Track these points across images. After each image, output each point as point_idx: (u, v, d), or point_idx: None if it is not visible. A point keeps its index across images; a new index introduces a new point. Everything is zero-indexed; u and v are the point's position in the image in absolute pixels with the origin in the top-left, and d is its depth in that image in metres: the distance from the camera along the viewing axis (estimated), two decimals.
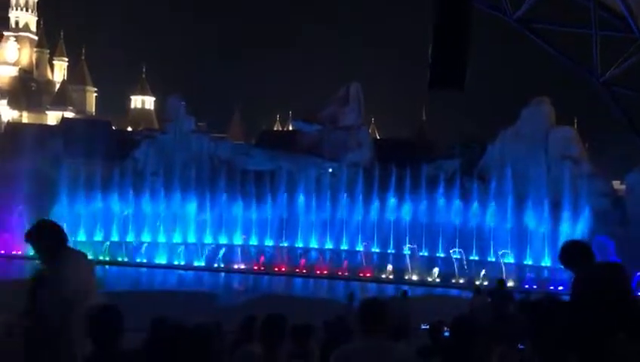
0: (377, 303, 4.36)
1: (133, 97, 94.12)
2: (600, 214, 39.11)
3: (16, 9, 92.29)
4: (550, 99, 45.81)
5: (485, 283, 36.42)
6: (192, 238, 45.63)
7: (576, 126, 49.93)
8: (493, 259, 39.51)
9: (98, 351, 3.81)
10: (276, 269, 40.62)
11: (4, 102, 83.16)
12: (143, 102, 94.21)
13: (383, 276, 38.62)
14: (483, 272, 36.55)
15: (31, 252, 4.78)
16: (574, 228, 38.95)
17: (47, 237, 4.68)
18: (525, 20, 14.28)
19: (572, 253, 4.92)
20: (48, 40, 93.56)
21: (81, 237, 45.34)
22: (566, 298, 4.92)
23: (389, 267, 39.16)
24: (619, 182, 48.15)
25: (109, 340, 3.82)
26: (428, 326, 9.96)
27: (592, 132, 46.57)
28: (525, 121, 44.76)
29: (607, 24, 13.74)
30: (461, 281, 36.73)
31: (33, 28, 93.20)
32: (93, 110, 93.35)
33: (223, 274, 40.26)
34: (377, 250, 42.66)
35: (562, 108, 47.05)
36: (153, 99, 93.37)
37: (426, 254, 41.08)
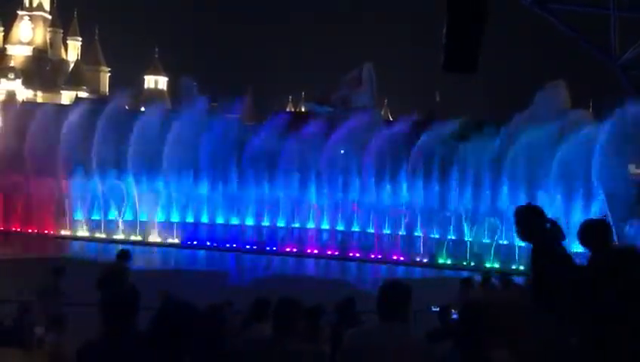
0: (399, 287, 4.28)
1: (146, 77, 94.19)
2: (615, 198, 38.77)
3: None
4: (565, 82, 45.25)
5: (496, 265, 36.45)
6: (204, 218, 45.92)
7: (591, 109, 49.33)
8: (506, 242, 39.41)
9: (110, 332, 3.84)
10: (287, 250, 40.85)
11: (19, 81, 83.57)
12: (156, 82, 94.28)
13: (395, 258, 38.74)
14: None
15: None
16: (588, 212, 38.68)
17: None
18: (541, 1, 14.05)
19: (589, 234, 4.87)
20: (62, 19, 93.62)
21: (96, 216, 45.82)
22: None
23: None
24: (634, 165, 47.65)
25: (122, 321, 3.84)
26: (438, 310, 9.97)
27: (608, 115, 45.78)
28: (540, 103, 44.27)
29: (627, 4, 13.49)
30: (472, 264, 36.75)
31: (47, 7, 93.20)
32: (107, 90, 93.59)
33: (234, 253, 40.56)
34: (388, 232, 42.70)
35: (578, 91, 46.47)
36: (166, 79, 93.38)
37: (437, 236, 41.05)
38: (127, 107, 62.75)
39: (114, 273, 10.51)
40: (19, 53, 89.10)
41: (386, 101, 69.67)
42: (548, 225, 4.80)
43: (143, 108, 67.69)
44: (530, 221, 4.79)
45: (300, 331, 4.33)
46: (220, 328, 3.99)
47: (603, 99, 44.21)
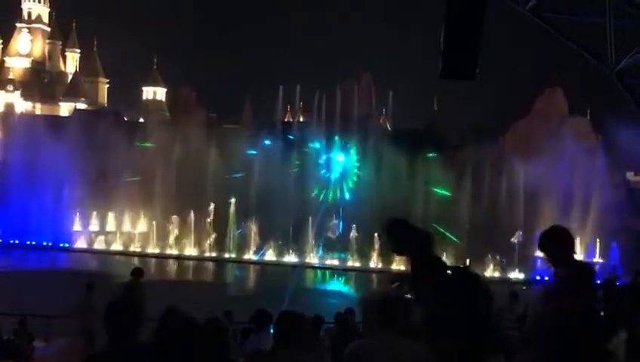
0: (398, 299, 4.25)
1: (144, 88, 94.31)
2: (614, 205, 38.78)
3: (29, 0, 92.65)
4: (563, 90, 45.38)
5: (496, 274, 36.36)
6: None
7: (589, 117, 49.41)
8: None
9: (113, 344, 3.82)
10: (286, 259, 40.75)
11: (18, 93, 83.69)
12: (154, 93, 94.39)
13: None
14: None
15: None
16: (587, 220, 38.66)
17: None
18: (538, 10, 14.11)
19: (550, 242, 4.69)
20: (60, 31, 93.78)
21: (94, 226, 45.78)
22: None
23: None
24: (632, 173, 47.68)
25: (125, 333, 3.82)
26: None
27: (605, 123, 45.93)
28: (538, 112, 44.40)
29: (623, 12, 13.55)
30: None
31: (45, 19, 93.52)
32: (105, 101, 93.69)
33: (234, 264, 40.46)
34: None
35: (575, 98, 46.58)
36: (165, 90, 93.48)
37: None
38: (125, 118, 62.85)
39: (130, 288, 11.14)
40: (17, 65, 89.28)
41: (384, 110, 69.80)
42: (417, 234, 4.81)
43: (141, 119, 67.79)
44: (402, 232, 4.82)
45: (301, 342, 4.30)
46: (221, 339, 3.97)
47: (600, 107, 44.37)
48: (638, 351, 4.85)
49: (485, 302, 3.70)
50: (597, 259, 38.79)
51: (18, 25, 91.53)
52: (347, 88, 51.75)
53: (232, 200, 44.96)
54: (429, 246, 4.75)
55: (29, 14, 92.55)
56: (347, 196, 46.77)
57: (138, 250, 43.92)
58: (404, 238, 4.75)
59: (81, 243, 45.36)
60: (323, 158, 48.69)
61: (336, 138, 48.92)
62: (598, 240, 39.60)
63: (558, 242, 4.70)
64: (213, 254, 43.21)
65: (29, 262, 38.02)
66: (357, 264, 39.86)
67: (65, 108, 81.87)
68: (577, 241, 39.10)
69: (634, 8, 13.50)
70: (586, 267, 4.91)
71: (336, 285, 34.53)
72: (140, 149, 48.28)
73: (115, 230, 46.02)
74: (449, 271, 4.52)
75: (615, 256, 37.52)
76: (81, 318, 11.11)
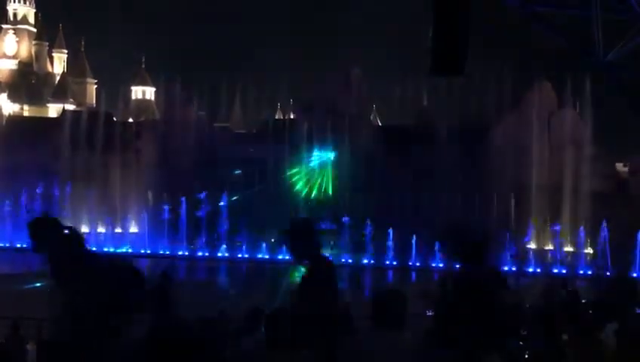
0: (392, 294, 4.28)
1: (133, 88, 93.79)
2: (603, 197, 39.06)
3: (14, 1, 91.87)
4: (552, 83, 45.63)
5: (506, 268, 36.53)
6: None
7: (578, 109, 49.69)
8: None
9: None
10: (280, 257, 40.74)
11: (4, 95, 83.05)
12: (143, 92, 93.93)
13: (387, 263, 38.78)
14: None
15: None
16: (576, 211, 38.92)
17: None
18: (526, 3, 14.15)
19: (298, 238, 4.76)
20: (47, 32, 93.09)
21: (85, 228, 45.52)
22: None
23: None
24: (622, 164, 48.04)
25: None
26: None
27: (594, 114, 46.22)
28: (527, 104, 44.60)
29: (609, 6, 13.63)
30: None
31: (31, 20, 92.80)
32: (94, 102, 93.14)
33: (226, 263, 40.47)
34: None
35: (564, 91, 46.78)
36: (153, 89, 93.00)
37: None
38: (115, 118, 62.50)
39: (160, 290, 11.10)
40: (4, 66, 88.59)
41: (374, 106, 69.85)
42: (66, 231, 4.85)
43: (130, 120, 67.49)
44: (46, 232, 4.85)
45: (294, 340, 4.30)
46: (213, 342, 3.95)
47: (589, 99, 44.62)
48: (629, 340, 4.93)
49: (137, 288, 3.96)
50: (585, 251, 39.05)
51: (4, 26, 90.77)
52: (336, 85, 51.76)
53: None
54: (71, 244, 4.75)
55: (15, 15, 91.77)
56: (338, 192, 46.80)
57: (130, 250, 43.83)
58: (45, 237, 4.75)
59: None
60: (313, 155, 48.75)
61: (327, 134, 49.00)
62: (586, 231, 39.89)
63: (306, 236, 4.71)
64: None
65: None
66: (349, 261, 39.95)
67: (53, 110, 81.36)
68: (567, 231, 39.68)
69: (618, 2, 13.59)
70: (326, 259, 5.03)
71: None
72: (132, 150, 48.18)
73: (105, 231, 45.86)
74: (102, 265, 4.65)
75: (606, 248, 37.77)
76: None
